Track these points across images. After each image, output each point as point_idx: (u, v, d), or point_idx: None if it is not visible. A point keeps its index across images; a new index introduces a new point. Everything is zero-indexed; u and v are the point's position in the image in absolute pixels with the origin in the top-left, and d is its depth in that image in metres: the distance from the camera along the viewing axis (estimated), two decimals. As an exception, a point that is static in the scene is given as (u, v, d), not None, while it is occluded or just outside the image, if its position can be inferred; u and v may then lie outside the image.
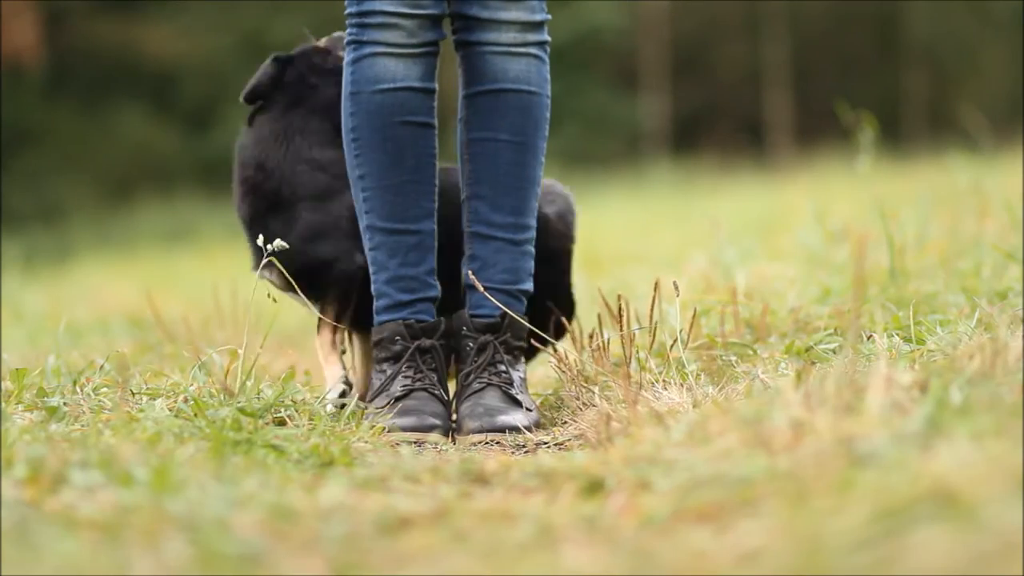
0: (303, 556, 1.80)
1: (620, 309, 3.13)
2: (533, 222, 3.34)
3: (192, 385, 3.09)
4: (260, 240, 3.16)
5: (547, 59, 3.33)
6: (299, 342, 4.97)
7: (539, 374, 3.74)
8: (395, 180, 3.25)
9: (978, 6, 24.22)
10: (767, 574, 1.62)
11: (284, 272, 3.22)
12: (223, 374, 3.05)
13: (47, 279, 10.56)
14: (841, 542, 1.62)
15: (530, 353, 3.32)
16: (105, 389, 3.18)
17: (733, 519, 1.84)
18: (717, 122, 24.14)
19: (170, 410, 2.82)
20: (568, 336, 3.41)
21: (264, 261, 3.21)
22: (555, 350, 3.32)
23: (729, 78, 25.18)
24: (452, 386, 3.29)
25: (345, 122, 3.28)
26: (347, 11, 3.26)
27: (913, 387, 2.24)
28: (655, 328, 3.30)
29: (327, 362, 3.32)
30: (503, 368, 3.23)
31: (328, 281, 3.32)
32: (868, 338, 3.14)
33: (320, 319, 3.32)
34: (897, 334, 3.19)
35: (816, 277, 4.48)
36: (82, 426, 2.71)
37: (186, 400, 2.90)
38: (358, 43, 3.24)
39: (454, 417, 3.24)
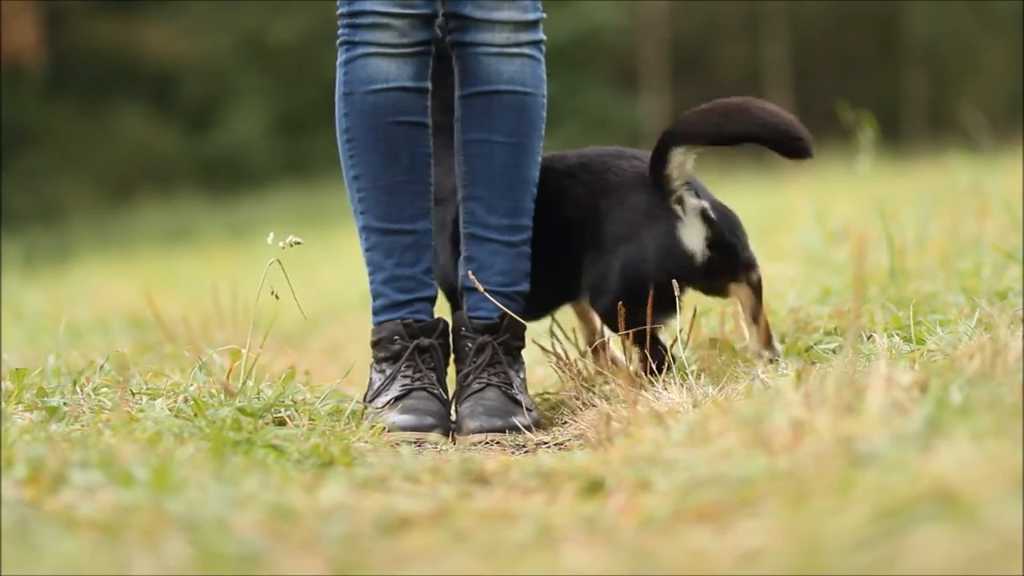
0: (303, 556, 1.80)
1: (619, 309, 3.12)
2: (529, 223, 3.33)
3: (192, 385, 3.09)
4: (270, 237, 3.14)
5: (543, 59, 3.32)
6: (299, 342, 4.98)
7: (539, 374, 3.74)
8: (389, 180, 3.25)
9: (978, 6, 24.22)
10: (767, 574, 1.62)
11: None
12: (223, 374, 3.05)
13: (47, 279, 10.56)
14: (841, 542, 1.62)
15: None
16: (105, 389, 3.18)
17: (733, 519, 1.84)
18: (717, 122, 24.11)
19: (170, 410, 2.82)
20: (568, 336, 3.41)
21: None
22: (555, 350, 3.32)
23: (729, 78, 25.17)
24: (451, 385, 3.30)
25: (339, 123, 3.28)
26: (339, 11, 3.27)
27: (913, 387, 2.24)
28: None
29: None
30: (502, 368, 3.23)
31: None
32: (868, 338, 3.14)
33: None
34: (897, 334, 3.19)
35: (816, 277, 4.48)
36: (82, 426, 2.71)
37: (186, 400, 2.90)
38: (350, 44, 3.24)
39: (454, 417, 3.24)
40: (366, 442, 2.82)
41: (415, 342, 3.22)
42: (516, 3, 3.24)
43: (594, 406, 2.98)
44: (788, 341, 3.43)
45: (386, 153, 3.24)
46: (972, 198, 5.28)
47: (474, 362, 3.25)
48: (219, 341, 4.31)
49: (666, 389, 2.92)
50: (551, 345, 3.34)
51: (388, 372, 3.22)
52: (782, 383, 2.45)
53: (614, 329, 3.16)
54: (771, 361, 3.18)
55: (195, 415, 2.76)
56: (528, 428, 3.08)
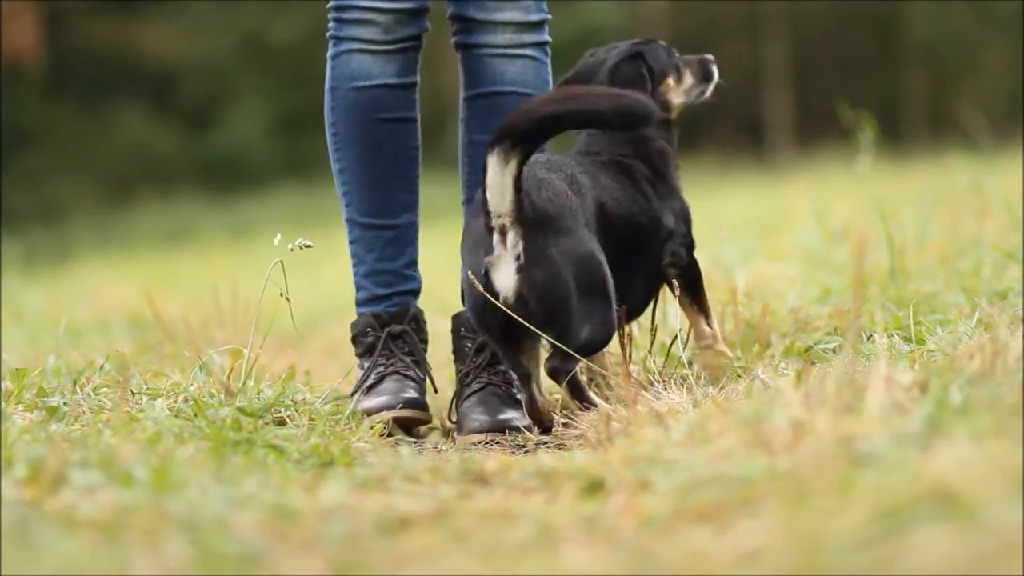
0: (303, 556, 1.80)
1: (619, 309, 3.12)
2: None
3: (192, 385, 3.09)
4: (277, 239, 3.13)
5: (547, 60, 3.33)
6: (299, 342, 4.98)
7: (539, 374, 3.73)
8: (372, 175, 3.27)
9: (978, 6, 24.22)
10: (767, 574, 1.62)
11: None
12: (223, 374, 3.05)
13: (47, 279, 10.56)
14: (841, 542, 1.62)
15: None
16: (105, 389, 3.18)
17: (733, 519, 1.84)
18: (717, 122, 24.15)
19: (170, 410, 2.82)
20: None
21: None
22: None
23: (729, 78, 25.10)
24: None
25: (326, 116, 3.32)
26: (328, 4, 3.28)
27: (913, 387, 2.24)
28: (655, 328, 3.30)
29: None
30: (502, 368, 3.23)
31: None
32: (868, 338, 3.14)
33: None
34: (897, 334, 3.19)
35: (816, 277, 4.48)
36: (82, 426, 2.71)
37: (186, 400, 2.90)
38: (337, 39, 3.26)
39: (453, 416, 3.24)
40: (366, 442, 2.82)
41: (387, 330, 3.24)
42: (519, 4, 3.24)
43: (594, 406, 2.97)
44: (788, 341, 3.42)
45: (369, 149, 3.26)
46: (972, 198, 5.28)
47: (474, 362, 3.25)
48: (219, 341, 4.31)
49: (666, 389, 2.91)
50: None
51: (367, 365, 3.25)
52: (782, 383, 2.45)
53: None
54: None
55: (195, 415, 2.76)
56: (528, 428, 3.08)
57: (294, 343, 4.26)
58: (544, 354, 2.98)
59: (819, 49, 24.96)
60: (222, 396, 2.95)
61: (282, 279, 3.16)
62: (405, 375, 3.20)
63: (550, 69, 3.34)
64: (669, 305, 3.69)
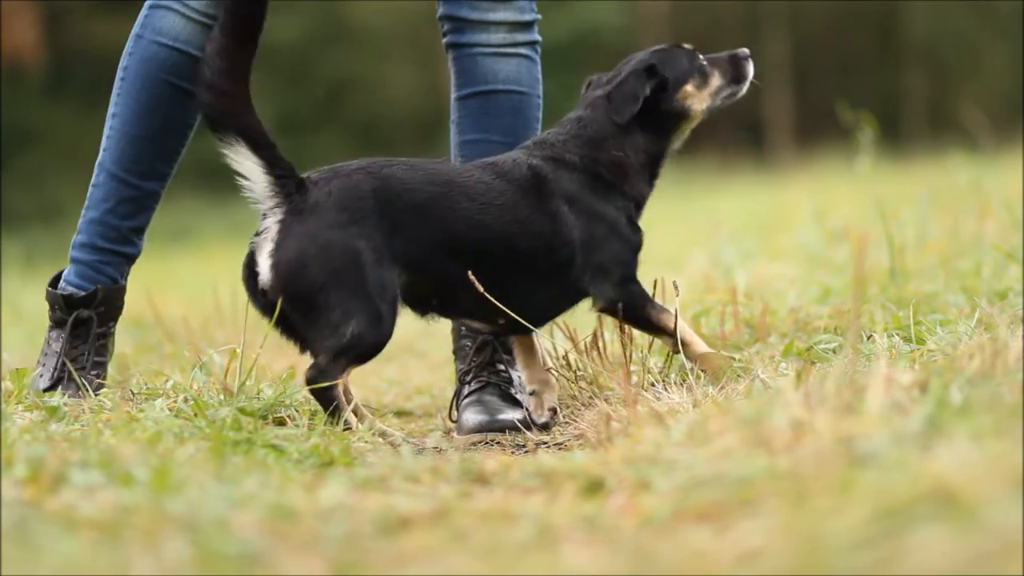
0: (303, 556, 1.80)
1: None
2: None
3: (192, 385, 3.09)
4: None
5: (538, 59, 3.33)
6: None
7: (539, 374, 3.73)
8: (137, 131, 3.27)
9: (978, 6, 24.22)
10: (767, 574, 1.62)
11: None
12: (223, 374, 3.05)
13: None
14: (841, 542, 1.62)
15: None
16: (105, 389, 3.18)
17: (733, 519, 1.84)
18: (717, 122, 24.14)
19: (170, 410, 2.82)
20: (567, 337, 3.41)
21: None
22: (555, 351, 3.31)
23: (729, 78, 25.14)
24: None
25: (121, 60, 3.30)
26: None
27: (913, 387, 2.24)
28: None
29: None
30: (502, 367, 3.23)
31: None
32: (868, 338, 3.14)
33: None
34: (897, 334, 3.19)
35: (816, 277, 4.48)
36: (82, 426, 2.71)
37: (186, 400, 2.90)
38: None
39: (454, 416, 3.24)
40: (366, 442, 2.82)
41: (74, 315, 3.26)
42: (512, 4, 3.25)
43: (594, 406, 2.97)
44: (788, 341, 3.42)
45: (145, 104, 3.26)
46: (972, 198, 5.29)
47: (474, 361, 3.25)
48: (219, 341, 4.31)
49: (666, 389, 2.91)
50: (551, 346, 3.34)
51: (54, 348, 3.26)
52: (782, 383, 2.45)
53: None
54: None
55: (195, 415, 2.76)
56: (527, 428, 3.08)
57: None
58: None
59: (819, 49, 24.96)
60: (222, 396, 2.95)
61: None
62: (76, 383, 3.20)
63: (540, 67, 3.35)
64: (669, 304, 3.69)
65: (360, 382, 4.27)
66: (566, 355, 3.25)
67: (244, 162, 2.86)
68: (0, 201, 17.43)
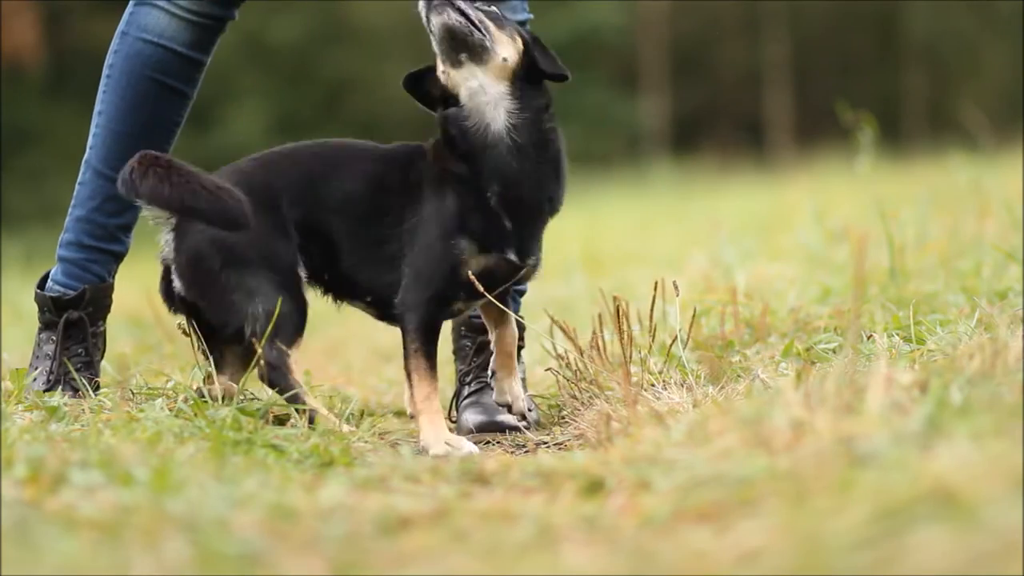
0: (303, 556, 1.80)
1: (619, 310, 3.12)
2: None
3: (192, 385, 3.09)
4: None
5: None
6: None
7: (539, 374, 3.74)
8: (122, 128, 3.27)
9: (978, 6, 24.22)
10: (767, 574, 1.62)
11: None
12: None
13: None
14: (841, 542, 1.62)
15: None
16: (105, 389, 3.18)
17: (733, 519, 1.84)
18: (717, 122, 24.13)
19: (170, 410, 2.82)
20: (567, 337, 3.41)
21: None
22: (555, 351, 3.32)
23: (729, 78, 25.17)
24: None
25: (107, 58, 3.30)
26: None
27: (913, 387, 2.24)
28: (655, 328, 3.29)
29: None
30: (502, 368, 3.23)
31: None
32: (868, 338, 3.14)
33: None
34: (897, 334, 3.19)
35: (816, 277, 4.48)
36: (82, 426, 2.71)
37: (186, 400, 2.90)
38: None
39: (453, 416, 3.24)
40: (366, 442, 2.82)
41: (64, 316, 3.25)
42: (506, 3, 3.25)
43: (594, 406, 2.97)
44: (788, 341, 3.42)
45: (131, 101, 3.26)
46: (972, 198, 5.28)
47: (474, 361, 3.25)
48: (219, 341, 4.30)
49: (666, 389, 2.91)
50: (552, 346, 3.34)
51: (47, 352, 3.26)
52: (782, 383, 2.45)
53: None
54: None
55: (195, 415, 2.76)
56: (528, 428, 3.08)
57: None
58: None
59: (819, 49, 24.97)
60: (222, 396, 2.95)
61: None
62: (72, 385, 3.20)
63: None
64: (669, 304, 3.69)
65: (360, 382, 4.27)
66: (566, 355, 3.25)
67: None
68: (0, 201, 17.44)
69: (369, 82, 21.56)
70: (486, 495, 2.26)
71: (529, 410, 3.16)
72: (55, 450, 2.24)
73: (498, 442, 3.03)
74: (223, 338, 2.99)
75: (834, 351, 3.22)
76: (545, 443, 2.96)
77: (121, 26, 3.27)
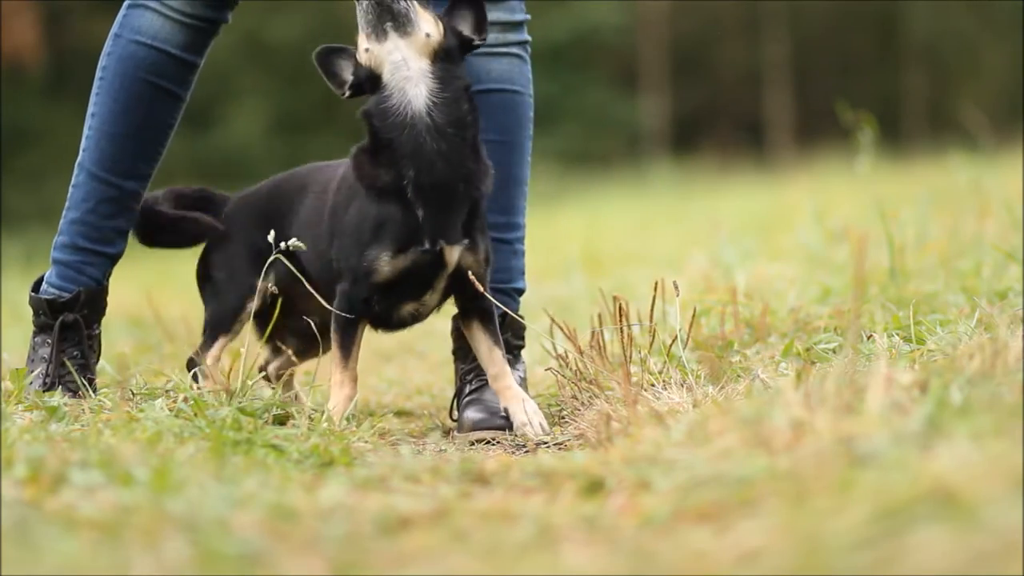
0: (303, 556, 1.80)
1: (619, 310, 3.12)
2: (522, 220, 3.35)
3: (192, 385, 3.09)
4: (271, 236, 3.13)
5: (528, 58, 3.34)
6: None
7: (539, 374, 3.74)
8: (116, 130, 3.27)
9: (978, 6, 24.22)
10: (767, 574, 1.62)
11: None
12: (223, 374, 3.05)
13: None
14: (841, 542, 1.62)
15: None
16: (105, 389, 3.18)
17: (733, 519, 1.84)
18: (717, 122, 24.13)
19: (170, 410, 2.82)
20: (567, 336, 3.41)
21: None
22: (555, 350, 3.31)
23: (729, 78, 25.17)
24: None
25: (100, 60, 3.30)
26: None
27: (913, 387, 2.24)
28: (655, 328, 3.30)
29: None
30: (504, 367, 3.22)
31: None
32: (868, 338, 3.14)
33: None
34: (897, 334, 3.19)
35: (816, 277, 4.48)
36: (82, 426, 2.71)
37: (186, 400, 2.90)
38: None
39: (455, 415, 3.24)
40: (366, 442, 2.82)
41: (59, 319, 3.25)
42: (503, 4, 3.26)
43: (594, 406, 2.97)
44: (788, 341, 3.42)
45: (124, 103, 3.26)
46: (972, 198, 5.29)
47: (474, 360, 3.24)
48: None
49: (666, 389, 2.91)
50: (552, 346, 3.34)
51: (43, 355, 3.25)
52: (782, 383, 2.45)
53: None
54: None
55: (195, 415, 2.76)
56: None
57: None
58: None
59: (819, 49, 24.97)
60: (222, 396, 2.95)
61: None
62: (69, 387, 3.19)
63: (530, 66, 3.35)
64: (669, 304, 3.69)
65: (360, 382, 4.26)
66: (566, 355, 3.25)
67: None
68: (0, 201, 17.43)
69: (369, 82, 21.50)
70: (486, 495, 2.26)
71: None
72: (55, 450, 2.24)
73: (498, 442, 3.03)
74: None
75: (834, 351, 3.22)
76: (545, 443, 2.96)
77: (114, 28, 3.27)
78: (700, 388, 2.89)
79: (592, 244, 8.46)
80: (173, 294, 7.51)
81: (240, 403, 2.86)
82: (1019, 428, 1.91)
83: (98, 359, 3.30)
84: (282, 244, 3.14)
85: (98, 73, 3.28)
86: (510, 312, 3.24)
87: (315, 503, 2.10)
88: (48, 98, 21.16)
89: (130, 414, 2.71)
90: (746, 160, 18.48)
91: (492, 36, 3.24)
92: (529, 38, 3.33)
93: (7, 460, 2.18)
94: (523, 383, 3.26)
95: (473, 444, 3.04)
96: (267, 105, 21.21)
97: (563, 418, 3.15)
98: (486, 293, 3.15)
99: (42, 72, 21.23)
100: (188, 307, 5.91)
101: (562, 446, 2.91)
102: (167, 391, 3.10)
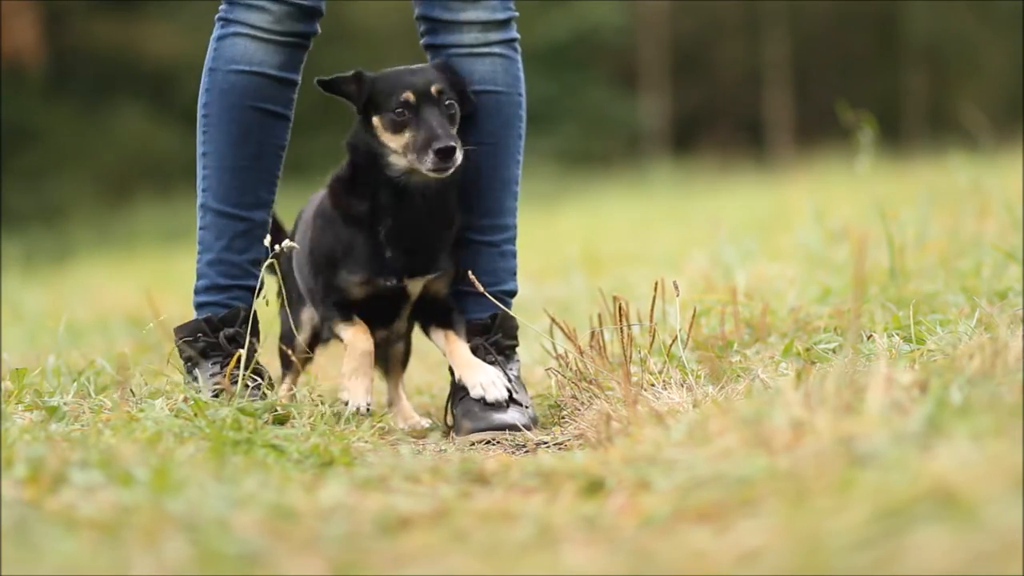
0: (303, 556, 1.80)
1: (619, 309, 3.12)
2: (512, 220, 3.34)
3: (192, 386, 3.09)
4: (267, 240, 3.18)
5: (517, 57, 3.31)
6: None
7: (539, 374, 3.74)
8: (235, 163, 3.25)
9: (978, 6, 24.23)
10: (767, 574, 1.62)
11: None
12: (223, 374, 3.05)
13: (47, 279, 10.56)
14: (841, 542, 1.62)
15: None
16: (105, 389, 3.17)
17: (733, 519, 1.84)
18: (717, 122, 24.13)
19: (170, 410, 2.82)
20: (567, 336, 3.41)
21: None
22: (555, 350, 3.32)
23: (729, 78, 25.17)
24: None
25: (199, 98, 3.28)
26: None
27: (913, 387, 2.24)
28: (655, 328, 3.30)
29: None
30: (496, 368, 3.22)
31: None
32: (868, 338, 3.14)
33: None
34: (897, 334, 3.19)
35: (816, 277, 4.48)
36: (82, 426, 2.71)
37: (186, 400, 2.90)
38: (225, 21, 3.24)
39: (449, 418, 3.24)
40: (366, 442, 2.82)
41: (221, 334, 3.24)
42: (483, 3, 3.24)
43: (594, 406, 2.97)
44: (788, 341, 3.42)
45: (236, 135, 3.24)
46: (972, 198, 5.29)
47: (473, 361, 3.24)
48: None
49: (666, 389, 2.91)
50: (552, 346, 3.34)
51: (195, 374, 3.22)
52: (782, 383, 2.45)
53: None
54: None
55: (195, 415, 2.76)
56: (526, 426, 3.08)
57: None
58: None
59: (819, 49, 24.96)
60: (222, 396, 2.95)
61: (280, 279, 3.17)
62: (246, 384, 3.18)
63: (521, 65, 3.34)
64: (669, 304, 3.70)
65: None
66: (566, 355, 3.25)
67: None
68: (0, 201, 17.44)
69: (369, 82, 21.50)
70: (486, 495, 2.26)
71: (525, 407, 3.15)
72: (55, 450, 2.24)
73: (498, 442, 3.03)
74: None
75: (834, 351, 3.22)
76: (545, 443, 2.96)
77: (208, 63, 3.24)
78: (700, 388, 2.89)
79: (592, 244, 8.46)
80: (173, 294, 7.51)
81: (240, 403, 2.86)
82: (1019, 428, 1.91)
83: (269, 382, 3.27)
84: (276, 248, 3.17)
85: (200, 111, 3.26)
86: (503, 308, 3.24)
87: (315, 503, 2.10)
88: (48, 98, 21.17)
89: (130, 414, 2.71)
90: (746, 160, 18.47)
91: (472, 36, 3.23)
92: (517, 36, 3.30)
93: (7, 460, 2.18)
94: (518, 381, 3.26)
95: (473, 444, 3.04)
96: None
97: (563, 418, 3.15)
98: (485, 293, 3.17)
99: (42, 72, 21.23)
100: (188, 307, 5.91)
101: (562, 446, 2.91)
102: (167, 391, 3.10)
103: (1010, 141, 8.66)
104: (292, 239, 3.29)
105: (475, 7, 3.22)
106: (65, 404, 2.90)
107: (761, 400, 2.35)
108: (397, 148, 3.08)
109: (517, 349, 3.35)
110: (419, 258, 3.17)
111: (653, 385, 2.98)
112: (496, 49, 3.26)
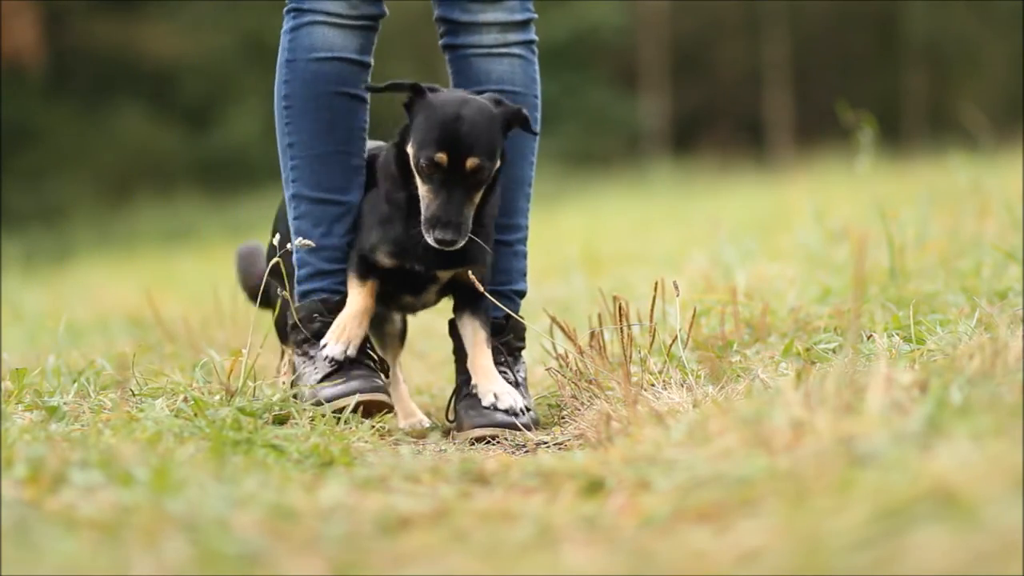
0: (303, 556, 1.80)
1: (619, 309, 3.12)
2: (525, 221, 3.35)
3: (192, 385, 3.09)
4: (276, 239, 3.19)
5: (534, 58, 3.33)
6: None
7: (539, 374, 3.74)
8: (324, 150, 3.25)
9: (978, 6, 24.22)
10: (767, 574, 1.62)
11: None
12: (224, 374, 3.05)
13: (47, 279, 10.56)
14: (841, 542, 1.62)
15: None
16: (104, 389, 3.18)
17: (733, 519, 1.84)
18: (717, 122, 24.13)
19: (170, 410, 2.82)
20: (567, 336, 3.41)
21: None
22: (555, 350, 3.32)
23: (729, 78, 25.17)
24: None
25: (278, 90, 3.30)
26: None
27: (913, 387, 2.24)
28: (655, 328, 3.30)
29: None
30: (504, 369, 3.23)
31: None
32: (868, 338, 3.14)
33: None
34: (897, 334, 3.19)
35: (816, 277, 4.48)
36: (82, 426, 2.71)
37: (186, 400, 2.90)
38: (298, 11, 3.26)
39: (451, 415, 3.24)
40: (366, 442, 2.82)
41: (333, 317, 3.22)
42: (502, 5, 3.25)
43: (594, 406, 2.97)
44: (788, 341, 3.42)
45: (324, 122, 3.25)
46: (972, 198, 5.29)
47: (474, 361, 3.24)
48: (219, 341, 4.31)
49: (666, 389, 2.91)
50: (552, 346, 3.34)
51: (311, 353, 3.21)
52: (782, 383, 2.45)
53: None
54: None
55: (195, 415, 2.76)
56: (527, 427, 3.08)
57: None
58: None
59: (819, 49, 24.96)
60: (222, 396, 2.95)
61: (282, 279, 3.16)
62: (360, 361, 3.16)
63: (538, 67, 3.34)
64: (669, 304, 3.70)
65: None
66: (566, 355, 3.25)
67: None
68: (0, 201, 17.44)
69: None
70: (486, 495, 2.26)
71: (528, 409, 3.16)
72: (55, 450, 2.24)
73: (498, 441, 3.03)
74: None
75: (834, 351, 3.22)
76: (545, 443, 2.96)
77: (283, 55, 3.26)
78: (700, 388, 2.89)
79: (592, 244, 8.47)
80: (173, 294, 7.51)
81: (240, 403, 2.86)
82: (1019, 428, 1.91)
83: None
84: (288, 245, 3.16)
85: (281, 103, 3.28)
86: (512, 313, 3.24)
87: (315, 503, 2.10)
88: (48, 98, 21.17)
89: (130, 414, 2.71)
90: (746, 160, 18.47)
91: (492, 37, 3.24)
92: (535, 37, 3.32)
93: (7, 460, 2.18)
94: (524, 383, 3.26)
95: (473, 443, 3.04)
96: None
97: (563, 418, 3.15)
98: (485, 293, 3.16)
99: (42, 72, 21.23)
100: (188, 307, 5.91)
101: (562, 446, 2.91)
102: (167, 391, 3.10)
103: (1010, 141, 8.66)
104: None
105: (494, 8, 3.23)
106: (65, 404, 2.90)
107: (761, 400, 2.35)
108: (419, 183, 3.06)
109: (523, 351, 3.36)
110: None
111: (653, 385, 2.98)
112: (515, 50, 3.28)
